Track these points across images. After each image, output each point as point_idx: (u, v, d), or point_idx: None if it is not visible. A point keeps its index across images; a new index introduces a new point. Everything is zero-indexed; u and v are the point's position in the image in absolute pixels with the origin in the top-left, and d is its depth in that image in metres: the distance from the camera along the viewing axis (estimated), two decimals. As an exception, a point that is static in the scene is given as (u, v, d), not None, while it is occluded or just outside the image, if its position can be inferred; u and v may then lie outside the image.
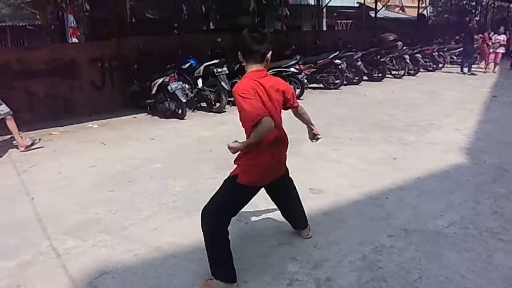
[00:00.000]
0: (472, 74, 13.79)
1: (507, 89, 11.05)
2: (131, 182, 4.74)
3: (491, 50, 14.10)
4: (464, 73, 13.86)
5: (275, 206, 3.76)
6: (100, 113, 8.20)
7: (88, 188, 4.62)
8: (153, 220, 3.77)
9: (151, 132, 7.01)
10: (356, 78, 11.75)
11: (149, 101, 8.26)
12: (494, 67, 14.07)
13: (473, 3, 27.70)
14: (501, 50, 13.88)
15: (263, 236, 3.44)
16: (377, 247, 3.22)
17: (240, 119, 2.58)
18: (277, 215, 3.75)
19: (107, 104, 8.65)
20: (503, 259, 3.06)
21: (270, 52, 2.67)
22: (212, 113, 8.33)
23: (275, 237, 3.40)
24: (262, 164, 2.68)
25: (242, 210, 3.84)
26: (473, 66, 14.37)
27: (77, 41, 9.81)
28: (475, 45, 16.44)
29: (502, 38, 13.84)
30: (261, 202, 4.02)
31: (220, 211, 2.73)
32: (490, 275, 2.88)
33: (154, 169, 5.17)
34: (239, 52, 2.70)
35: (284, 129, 2.85)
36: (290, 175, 3.24)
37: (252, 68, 2.67)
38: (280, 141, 2.79)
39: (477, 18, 26.80)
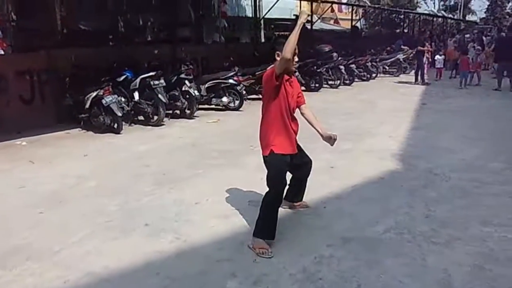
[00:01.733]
0: (426, 83, 14.22)
1: (435, 96, 11.70)
2: (62, 202, 4.46)
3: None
4: (425, 83, 14.21)
5: (214, 223, 3.72)
6: (29, 129, 7.70)
7: (16, 210, 4.30)
8: (86, 243, 3.56)
9: (85, 148, 6.68)
10: (294, 88, 11.95)
11: (83, 115, 7.90)
12: (422, 77, 14.50)
13: (402, 17, 29.27)
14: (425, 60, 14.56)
15: (202, 253, 3.35)
16: (316, 258, 3.23)
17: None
18: (216, 231, 3.69)
19: (38, 119, 8.15)
20: (436, 261, 3.18)
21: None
22: (149, 127, 8.11)
23: (214, 253, 3.33)
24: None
25: (180, 227, 3.78)
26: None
27: (2, 52, 9.23)
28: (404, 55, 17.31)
29: (424, 49, 14.52)
30: (200, 218, 3.96)
31: None
32: (424, 278, 2.99)
33: (88, 187, 4.92)
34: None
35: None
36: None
37: None
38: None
39: (405, 30, 28.44)
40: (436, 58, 15.45)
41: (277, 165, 3.39)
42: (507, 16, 51.54)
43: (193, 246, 3.47)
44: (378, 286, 2.88)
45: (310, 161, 3.85)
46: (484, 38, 20.44)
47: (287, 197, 3.94)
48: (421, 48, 14.34)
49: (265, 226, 3.37)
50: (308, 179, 4.00)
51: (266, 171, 3.46)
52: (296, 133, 3.60)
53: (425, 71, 14.48)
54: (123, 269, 3.14)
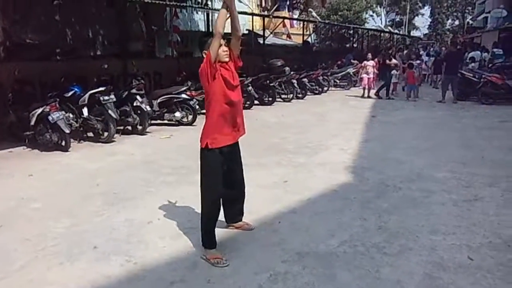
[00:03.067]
0: (390, 98, 14.24)
1: (384, 109, 12.10)
2: (3, 227, 4.18)
3: (363, 76, 14.89)
4: (388, 98, 14.23)
5: (166, 243, 3.59)
6: (-32, 148, 7.26)
7: (-51, 238, 3.99)
8: (28, 270, 3.33)
9: (30, 167, 6.33)
10: (248, 102, 11.97)
11: (27, 133, 7.52)
12: (368, 91, 14.77)
13: (351, 32, 30.27)
14: (371, 75, 14.70)
15: (154, 276, 3.22)
16: (272, 275, 3.19)
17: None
18: (168, 251, 3.59)
19: (-23, 138, 7.70)
20: (389, 273, 3.23)
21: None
22: (100, 144, 7.83)
23: (167, 275, 3.20)
24: None
25: (132, 249, 3.63)
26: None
27: None
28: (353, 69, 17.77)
29: (371, 64, 14.83)
30: (152, 239, 3.83)
31: None
32: (378, 291, 3.01)
33: (32, 209, 4.64)
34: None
35: None
36: None
37: None
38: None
39: (355, 45, 29.42)
40: (392, 72, 15.22)
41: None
42: (448, 32, 54.75)
43: (145, 268, 3.33)
44: (333, 301, 2.87)
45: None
46: (423, 52, 21.40)
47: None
48: (389, 62, 14.57)
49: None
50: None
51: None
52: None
53: (373, 85, 14.81)
54: (69, 297, 2.96)
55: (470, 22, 42.63)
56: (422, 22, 59.15)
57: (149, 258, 3.48)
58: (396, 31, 40.15)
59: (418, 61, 16.55)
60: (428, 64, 18.60)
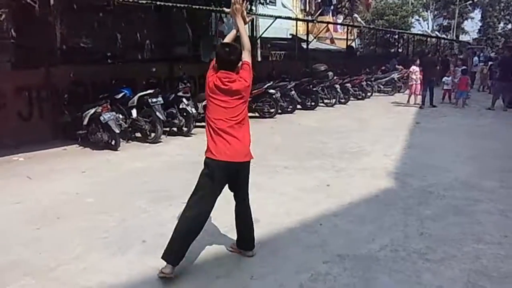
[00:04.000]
0: (433, 106, 13.59)
1: (428, 116, 11.85)
2: (60, 219, 4.48)
3: (413, 82, 14.14)
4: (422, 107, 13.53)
5: (212, 239, 3.73)
6: (27, 145, 7.73)
7: (12, 226, 4.31)
8: (83, 259, 3.58)
9: (82, 164, 6.71)
10: (290, 107, 12.06)
11: (80, 132, 7.95)
12: (415, 97, 14.16)
13: (396, 37, 29.72)
14: (418, 81, 13.98)
15: (202, 270, 3.37)
16: (313, 275, 3.26)
17: None
18: (214, 247, 3.72)
19: (35, 136, 8.19)
20: (431, 279, 3.23)
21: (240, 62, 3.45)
22: (147, 144, 8.15)
23: (213, 270, 3.35)
24: None
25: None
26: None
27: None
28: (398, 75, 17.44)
29: (418, 69, 14.06)
30: (199, 235, 3.98)
31: None
32: (419, 295, 3.02)
33: (86, 204, 4.94)
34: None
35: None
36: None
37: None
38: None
39: (400, 50, 28.84)
40: (444, 79, 14.82)
41: None
42: (499, 37, 52.49)
43: (192, 262, 3.49)
44: (373, 303, 2.91)
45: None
46: (476, 58, 20.65)
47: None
48: (452, 70, 14.02)
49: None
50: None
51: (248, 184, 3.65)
52: None
53: (419, 91, 14.27)
54: (120, 286, 3.15)
55: (524, 26, 40.75)
56: (472, 26, 56.93)
57: (195, 253, 3.62)
58: (443, 35, 39.01)
59: (464, 67, 15.92)
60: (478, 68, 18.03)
